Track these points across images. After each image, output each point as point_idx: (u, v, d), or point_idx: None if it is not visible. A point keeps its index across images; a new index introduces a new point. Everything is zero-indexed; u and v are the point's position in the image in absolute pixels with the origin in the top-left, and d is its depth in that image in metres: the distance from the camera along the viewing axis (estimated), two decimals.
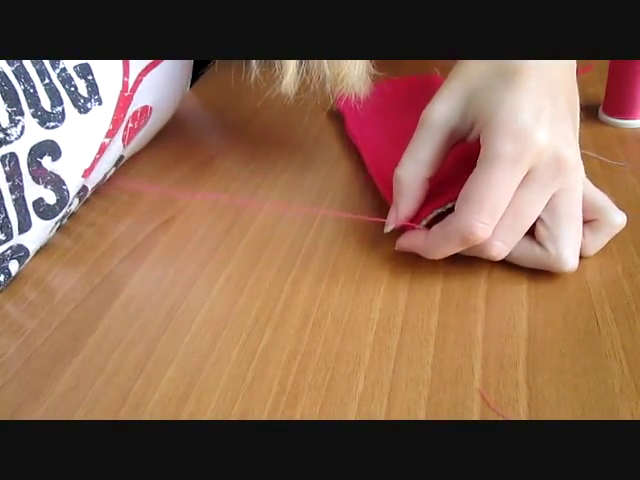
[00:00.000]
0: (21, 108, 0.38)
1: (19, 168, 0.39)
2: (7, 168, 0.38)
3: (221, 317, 0.36)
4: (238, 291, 0.38)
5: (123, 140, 0.48)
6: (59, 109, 0.40)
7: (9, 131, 0.38)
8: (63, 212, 0.43)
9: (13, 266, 0.41)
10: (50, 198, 0.42)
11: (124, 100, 0.45)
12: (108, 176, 0.50)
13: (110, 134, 0.45)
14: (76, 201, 0.46)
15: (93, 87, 0.42)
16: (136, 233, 0.45)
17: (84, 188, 0.46)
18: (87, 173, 0.44)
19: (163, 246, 0.43)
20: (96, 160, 0.45)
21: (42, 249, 0.44)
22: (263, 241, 0.42)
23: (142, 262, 0.42)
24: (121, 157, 0.50)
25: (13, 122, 0.38)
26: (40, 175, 0.40)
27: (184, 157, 0.54)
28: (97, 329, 0.37)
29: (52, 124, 0.40)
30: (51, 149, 0.40)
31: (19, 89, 0.38)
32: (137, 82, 0.47)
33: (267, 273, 0.39)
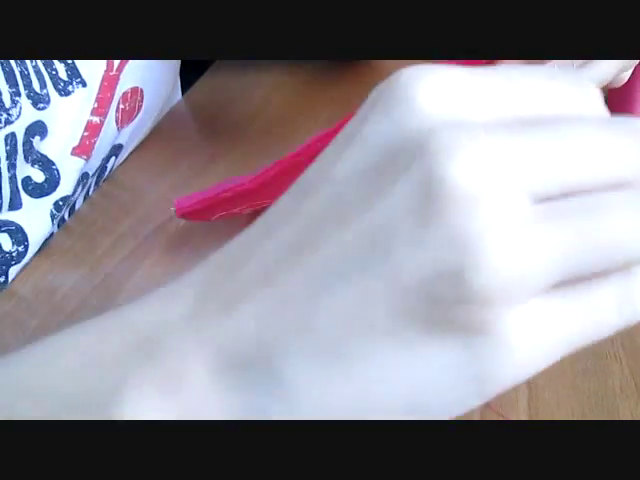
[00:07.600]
0: (19, 89, 0.39)
1: (16, 147, 0.39)
2: (8, 147, 0.39)
3: None
4: None
5: (117, 122, 0.48)
6: (45, 91, 0.41)
7: (11, 111, 0.38)
8: (56, 194, 0.43)
9: (4, 240, 0.41)
10: (38, 177, 0.42)
11: (110, 79, 0.46)
12: (109, 167, 0.50)
13: (97, 112, 0.45)
14: (79, 190, 0.46)
15: (73, 71, 0.43)
16: (137, 232, 0.45)
17: (85, 175, 0.46)
18: (78, 151, 0.44)
19: (164, 245, 0.43)
20: (86, 138, 0.45)
21: (43, 249, 0.44)
22: None
23: (143, 261, 0.42)
24: (119, 146, 0.50)
25: (14, 103, 0.38)
26: (29, 154, 0.41)
27: (184, 156, 0.54)
28: None
29: (42, 105, 0.41)
30: (41, 129, 0.41)
31: (16, 70, 0.39)
32: (123, 61, 0.47)
33: None
